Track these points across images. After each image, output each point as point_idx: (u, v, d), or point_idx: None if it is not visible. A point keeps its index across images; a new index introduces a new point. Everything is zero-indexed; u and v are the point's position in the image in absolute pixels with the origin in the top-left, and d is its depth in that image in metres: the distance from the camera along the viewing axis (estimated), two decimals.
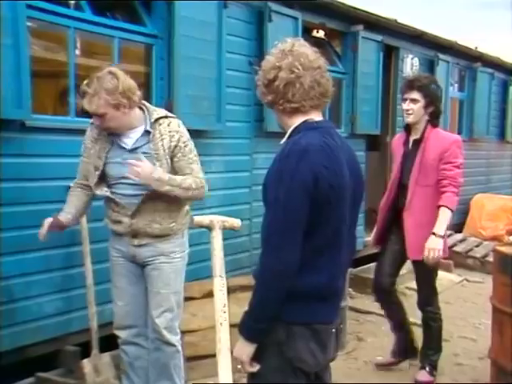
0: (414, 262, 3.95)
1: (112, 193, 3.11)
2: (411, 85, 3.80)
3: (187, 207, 3.23)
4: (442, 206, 3.71)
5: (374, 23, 7.03)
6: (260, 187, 5.67)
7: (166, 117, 3.10)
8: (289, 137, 1.99)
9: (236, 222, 2.08)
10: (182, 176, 3.04)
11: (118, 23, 4.33)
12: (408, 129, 3.96)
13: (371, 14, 6.94)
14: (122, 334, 3.34)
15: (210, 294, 4.54)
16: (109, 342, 3.94)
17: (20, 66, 3.45)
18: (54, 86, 4.45)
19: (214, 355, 4.28)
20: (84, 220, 3.89)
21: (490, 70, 10.14)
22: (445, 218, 3.71)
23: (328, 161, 1.87)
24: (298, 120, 2.00)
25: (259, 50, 5.42)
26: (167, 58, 4.53)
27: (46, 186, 3.73)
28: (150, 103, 4.45)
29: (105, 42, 4.32)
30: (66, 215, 3.20)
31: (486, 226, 8.87)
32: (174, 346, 3.25)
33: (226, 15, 4.92)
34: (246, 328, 1.91)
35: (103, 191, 3.12)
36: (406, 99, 3.83)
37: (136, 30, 4.42)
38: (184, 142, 3.08)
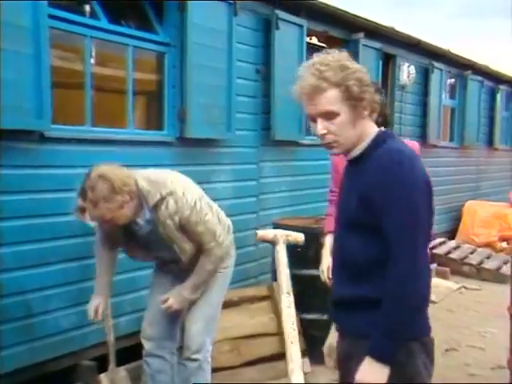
0: None
1: (154, 257, 3.26)
2: None
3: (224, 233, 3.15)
4: None
5: (374, 31, 7.07)
6: (266, 196, 5.66)
7: (162, 199, 2.89)
8: (373, 144, 1.90)
9: (299, 236, 2.03)
10: (198, 268, 3.06)
11: (132, 31, 4.26)
12: None
13: (370, 21, 6.98)
14: (147, 345, 3.30)
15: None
16: (125, 355, 3.89)
17: (41, 76, 3.38)
18: (69, 96, 4.36)
19: (227, 368, 4.29)
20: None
21: (479, 78, 10.27)
22: None
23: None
24: (373, 127, 1.94)
25: (266, 58, 5.41)
26: (179, 66, 4.48)
27: (64, 198, 3.65)
28: (162, 112, 4.49)
29: (119, 51, 4.25)
30: (102, 291, 3.23)
31: (479, 232, 8.96)
32: (196, 361, 3.21)
33: (235, 23, 4.89)
34: (383, 350, 1.77)
35: (147, 259, 3.30)
36: None
37: (149, 38, 4.37)
38: (185, 219, 2.92)
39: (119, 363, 3.83)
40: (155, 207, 2.88)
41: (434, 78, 8.62)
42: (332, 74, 1.80)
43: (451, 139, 9.81)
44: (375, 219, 1.80)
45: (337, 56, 1.87)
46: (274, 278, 4.96)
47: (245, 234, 5.08)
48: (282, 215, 5.39)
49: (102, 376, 3.71)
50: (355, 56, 6.79)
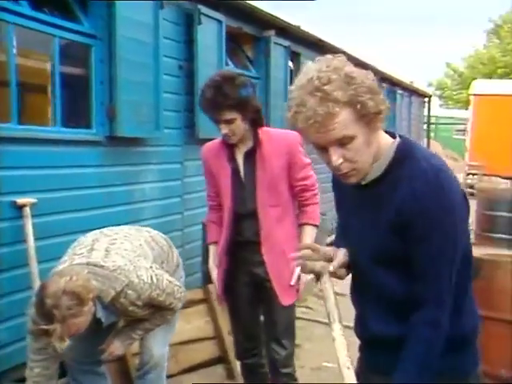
0: (280, 309, 2.98)
1: None
2: (219, 105, 2.73)
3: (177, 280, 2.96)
4: (307, 223, 2.99)
5: (283, 29, 7.11)
6: (190, 196, 5.51)
7: (118, 293, 2.63)
8: (396, 161, 1.62)
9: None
10: (158, 315, 2.89)
11: (58, 21, 3.93)
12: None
13: (280, 19, 7.01)
14: (72, 364, 2.99)
15: None
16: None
17: None
18: None
19: (166, 377, 4.14)
20: (31, 237, 3.53)
21: None
22: (311, 237, 2.98)
23: None
24: (385, 136, 1.65)
25: (188, 53, 5.25)
26: (107, 61, 4.22)
27: None
28: (90, 109, 4.21)
29: (42, 42, 3.92)
30: None
31: None
32: (155, 372, 3.08)
33: (162, 17, 4.70)
34: None
35: None
36: (217, 121, 2.81)
37: (75, 29, 4.06)
38: (147, 297, 2.71)
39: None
40: (112, 301, 2.63)
41: None
42: (341, 93, 1.48)
43: None
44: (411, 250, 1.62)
45: (334, 65, 1.52)
46: (205, 280, 4.87)
47: (170, 236, 4.89)
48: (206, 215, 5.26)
49: None
50: (266, 54, 6.81)
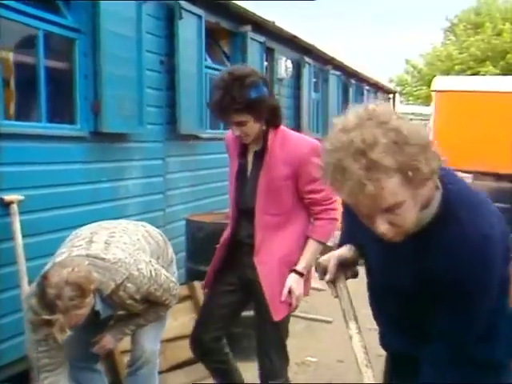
0: (271, 323, 2.79)
1: None
2: (226, 108, 2.56)
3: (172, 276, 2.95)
4: (311, 237, 2.76)
5: (259, 24, 7.10)
6: (172, 192, 5.46)
7: (117, 286, 2.57)
8: (440, 215, 1.49)
9: (356, 269, 1.91)
10: (151, 312, 2.87)
11: (43, 13, 3.84)
12: None
13: (256, 15, 6.99)
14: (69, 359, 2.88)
15: None
16: None
17: None
18: None
19: (159, 372, 4.12)
20: (18, 235, 3.45)
21: (337, 73, 10.84)
22: (311, 252, 2.75)
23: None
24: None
25: (169, 48, 5.20)
26: (91, 55, 4.14)
27: None
28: (74, 104, 4.13)
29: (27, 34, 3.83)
30: None
31: None
32: (148, 368, 3.06)
33: (144, 11, 4.64)
34: None
35: None
36: (228, 123, 2.69)
37: (58, 22, 3.97)
38: (145, 291, 2.69)
39: None
40: (111, 294, 2.59)
41: (305, 72, 8.92)
42: (390, 159, 1.28)
43: (317, 131, 10.23)
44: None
45: (377, 117, 1.33)
46: (190, 276, 4.84)
47: None
48: (187, 211, 5.24)
49: None
50: (243, 49, 6.79)
